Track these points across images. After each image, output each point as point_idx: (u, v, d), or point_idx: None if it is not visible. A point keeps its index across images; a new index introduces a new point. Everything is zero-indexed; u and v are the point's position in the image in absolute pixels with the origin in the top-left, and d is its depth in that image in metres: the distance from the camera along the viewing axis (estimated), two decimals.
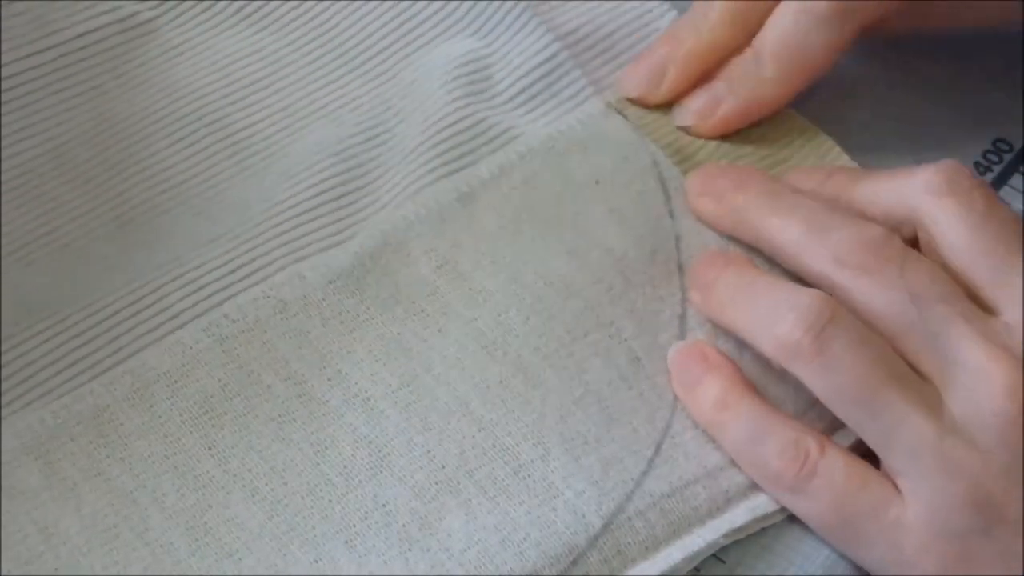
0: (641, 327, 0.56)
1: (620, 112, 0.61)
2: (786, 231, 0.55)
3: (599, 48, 0.64)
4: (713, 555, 0.53)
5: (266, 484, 0.53)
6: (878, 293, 0.53)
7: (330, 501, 0.53)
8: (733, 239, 0.58)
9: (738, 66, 0.61)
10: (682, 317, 0.57)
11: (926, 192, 0.54)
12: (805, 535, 0.54)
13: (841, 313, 0.52)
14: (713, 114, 0.61)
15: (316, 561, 0.52)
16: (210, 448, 0.54)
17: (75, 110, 0.61)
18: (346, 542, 0.52)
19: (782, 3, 0.60)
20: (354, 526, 0.52)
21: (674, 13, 0.65)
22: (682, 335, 0.57)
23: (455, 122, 0.61)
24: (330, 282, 0.57)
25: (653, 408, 0.55)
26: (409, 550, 0.52)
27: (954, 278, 0.53)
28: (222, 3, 0.65)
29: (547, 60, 0.63)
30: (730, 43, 0.61)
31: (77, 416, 0.54)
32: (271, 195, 0.59)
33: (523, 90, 0.63)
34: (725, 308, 0.55)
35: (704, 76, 0.61)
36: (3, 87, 0.60)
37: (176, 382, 0.55)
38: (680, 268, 0.58)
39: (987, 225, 0.53)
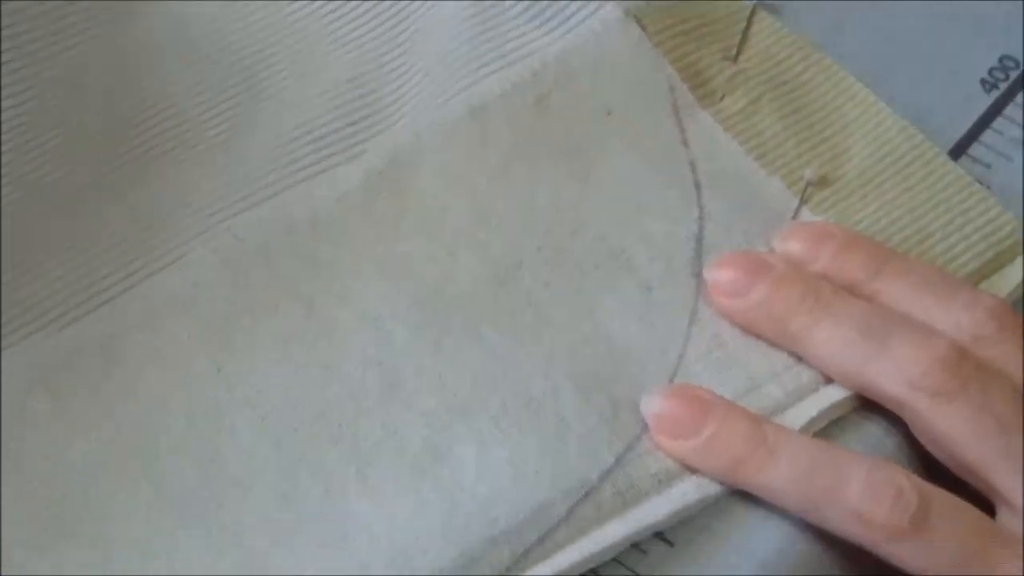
0: (654, 252, 0.52)
1: (639, 21, 0.56)
2: (839, 343, 0.49)
3: None
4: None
5: (274, 408, 0.49)
6: (963, 422, 0.47)
7: (340, 427, 0.49)
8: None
9: None
10: (698, 237, 0.53)
11: (977, 337, 0.48)
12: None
13: (930, 492, 0.46)
14: None
15: (327, 491, 0.48)
16: (218, 371, 0.50)
17: (90, 42, 0.56)
18: (357, 471, 0.48)
19: None
20: (365, 454, 0.49)
21: None
22: (698, 256, 0.52)
23: (468, 39, 0.57)
24: (338, 200, 0.53)
25: (664, 341, 0.51)
26: (421, 481, 0.48)
27: None
28: None
29: None
30: None
31: (87, 345, 0.50)
32: (283, 120, 0.56)
33: (533, 4, 0.58)
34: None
35: None
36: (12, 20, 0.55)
37: (184, 304, 0.51)
38: (697, 187, 0.53)
39: None
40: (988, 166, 0.57)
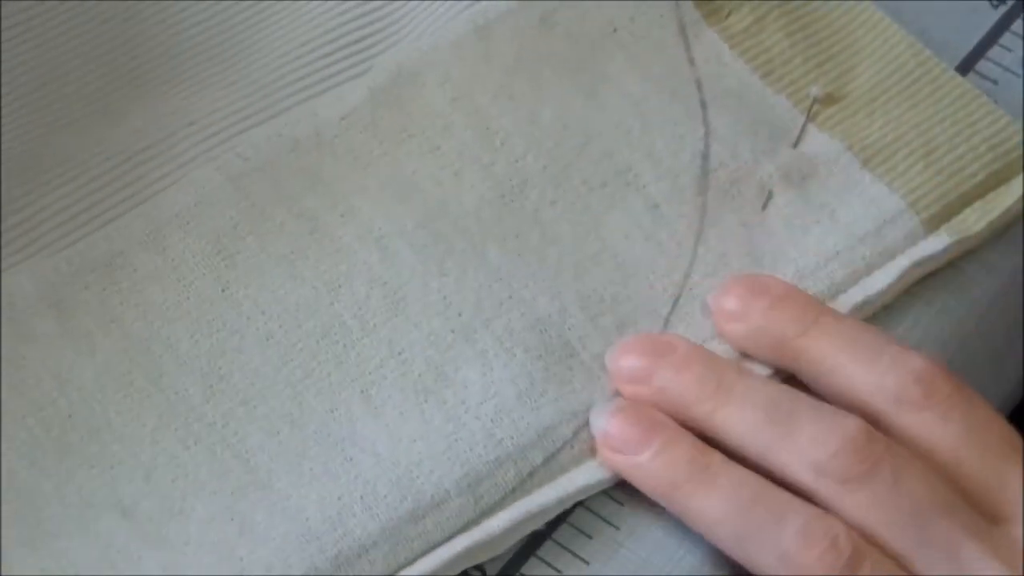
0: (660, 170, 0.52)
1: None
2: (744, 427, 0.46)
3: None
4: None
5: (280, 327, 0.49)
6: (872, 510, 0.44)
7: (345, 346, 0.49)
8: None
9: None
10: (704, 155, 0.52)
11: (899, 401, 0.46)
12: None
13: (866, 549, 0.44)
14: None
15: (332, 411, 0.48)
16: (223, 290, 0.50)
17: None
18: (362, 391, 0.48)
19: None
20: (369, 374, 0.48)
21: None
22: (704, 174, 0.52)
23: None
24: (343, 118, 0.52)
25: (672, 258, 0.51)
26: (425, 402, 0.48)
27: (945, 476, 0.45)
28: None
29: None
30: None
31: (91, 263, 0.50)
32: (286, 38, 0.55)
33: None
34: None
35: None
36: None
37: (189, 223, 0.51)
38: (703, 105, 0.53)
39: (973, 433, 0.45)
40: (995, 82, 0.56)
